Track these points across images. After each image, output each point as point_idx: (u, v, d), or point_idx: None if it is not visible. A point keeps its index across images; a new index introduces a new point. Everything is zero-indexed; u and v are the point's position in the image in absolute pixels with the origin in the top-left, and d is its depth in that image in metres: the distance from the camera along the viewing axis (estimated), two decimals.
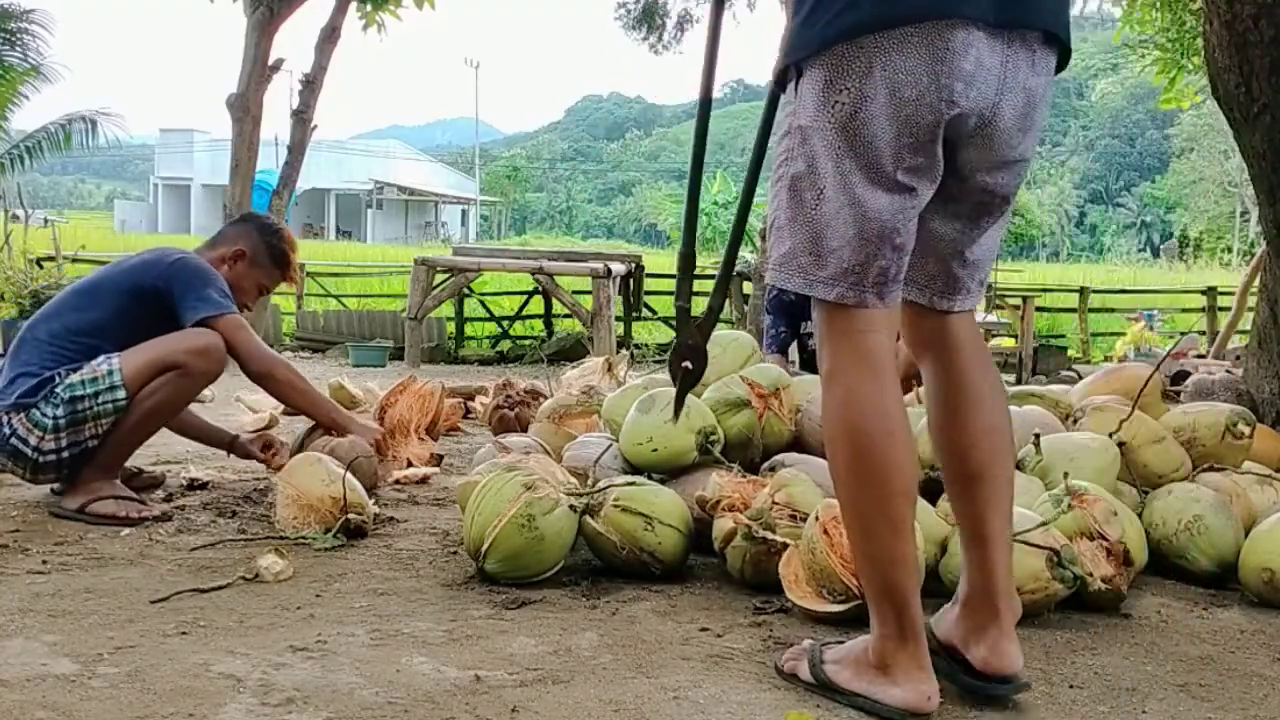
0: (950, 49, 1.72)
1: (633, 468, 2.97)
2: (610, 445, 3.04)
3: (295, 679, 1.92)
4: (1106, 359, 15.45)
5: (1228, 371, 5.30)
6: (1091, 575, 2.43)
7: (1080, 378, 14.54)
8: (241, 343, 3.29)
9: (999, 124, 1.81)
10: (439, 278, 11.98)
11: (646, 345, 14.74)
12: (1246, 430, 3.27)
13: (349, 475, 3.02)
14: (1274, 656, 2.25)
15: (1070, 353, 15.13)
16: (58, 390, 3.09)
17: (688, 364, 2.17)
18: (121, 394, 3.10)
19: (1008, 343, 13.30)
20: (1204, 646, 2.30)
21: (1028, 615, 2.39)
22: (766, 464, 2.89)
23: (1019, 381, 11.40)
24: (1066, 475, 2.66)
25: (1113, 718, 1.88)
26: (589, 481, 2.82)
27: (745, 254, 16.70)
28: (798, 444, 3.09)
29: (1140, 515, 2.87)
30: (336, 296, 15.89)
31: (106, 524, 3.03)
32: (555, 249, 17.68)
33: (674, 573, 2.63)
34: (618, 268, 12.34)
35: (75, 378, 3.09)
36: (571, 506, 2.60)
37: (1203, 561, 2.77)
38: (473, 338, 14.91)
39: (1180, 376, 13.09)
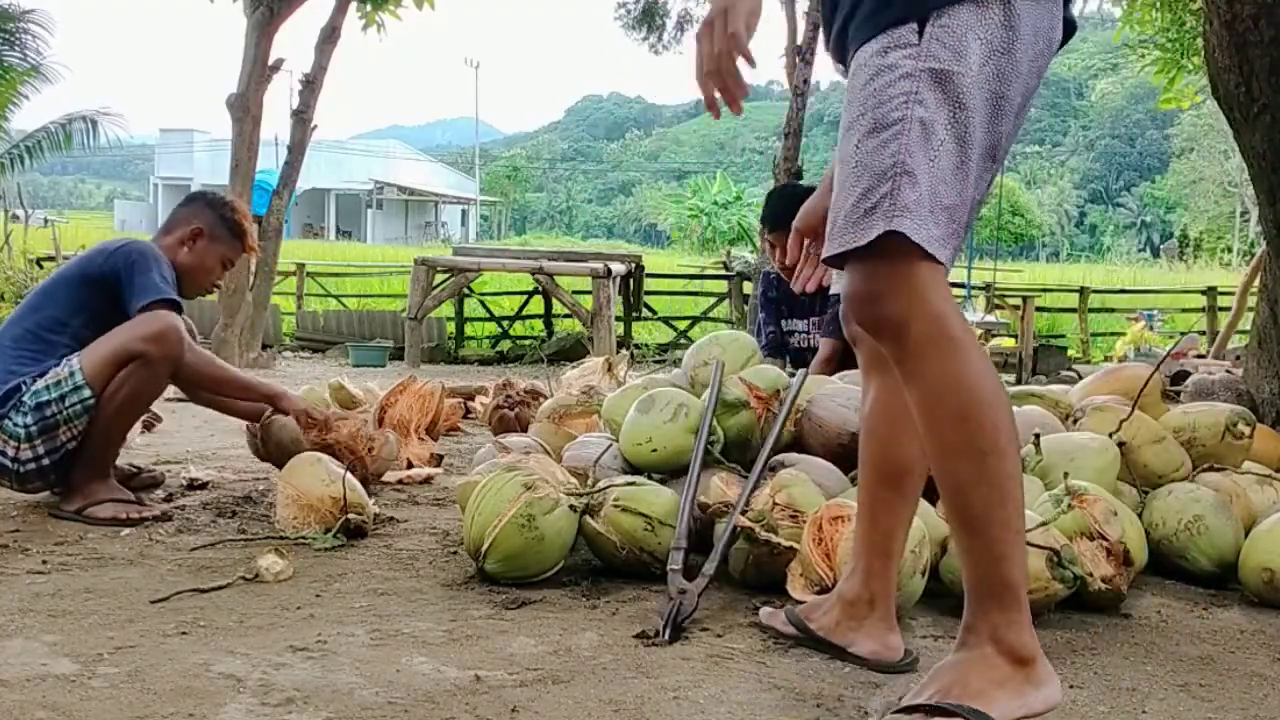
0: (1060, 4, 1.76)
1: (632, 468, 2.97)
2: (610, 445, 3.03)
3: (295, 679, 1.92)
4: (1106, 359, 15.45)
5: (1228, 371, 5.30)
6: (1091, 575, 2.43)
7: (1080, 378, 14.51)
8: None
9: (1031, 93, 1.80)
10: (439, 278, 12.00)
11: (646, 345, 14.74)
12: (1246, 430, 3.26)
13: (349, 475, 3.02)
14: (1274, 656, 2.25)
15: (1070, 353, 15.14)
16: (24, 399, 3.07)
17: (683, 591, 2.33)
18: (87, 393, 3.07)
19: (1008, 343, 13.31)
20: (1204, 646, 2.30)
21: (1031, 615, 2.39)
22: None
23: (1019, 381, 11.41)
24: (1066, 475, 2.66)
25: (1113, 718, 1.88)
26: (589, 481, 2.82)
27: (745, 254, 16.70)
28: (797, 444, 3.08)
29: (1140, 515, 2.87)
30: (336, 296, 15.91)
31: (106, 525, 3.03)
32: (555, 249, 17.69)
33: None
34: (618, 268, 12.34)
35: (40, 384, 3.07)
36: (571, 506, 2.60)
37: (1203, 561, 2.78)
38: (473, 338, 14.93)
39: (1180, 376, 13.04)
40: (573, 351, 13.08)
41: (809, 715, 1.84)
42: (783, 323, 5.09)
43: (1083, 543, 2.50)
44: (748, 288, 15.06)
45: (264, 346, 11.50)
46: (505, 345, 14.52)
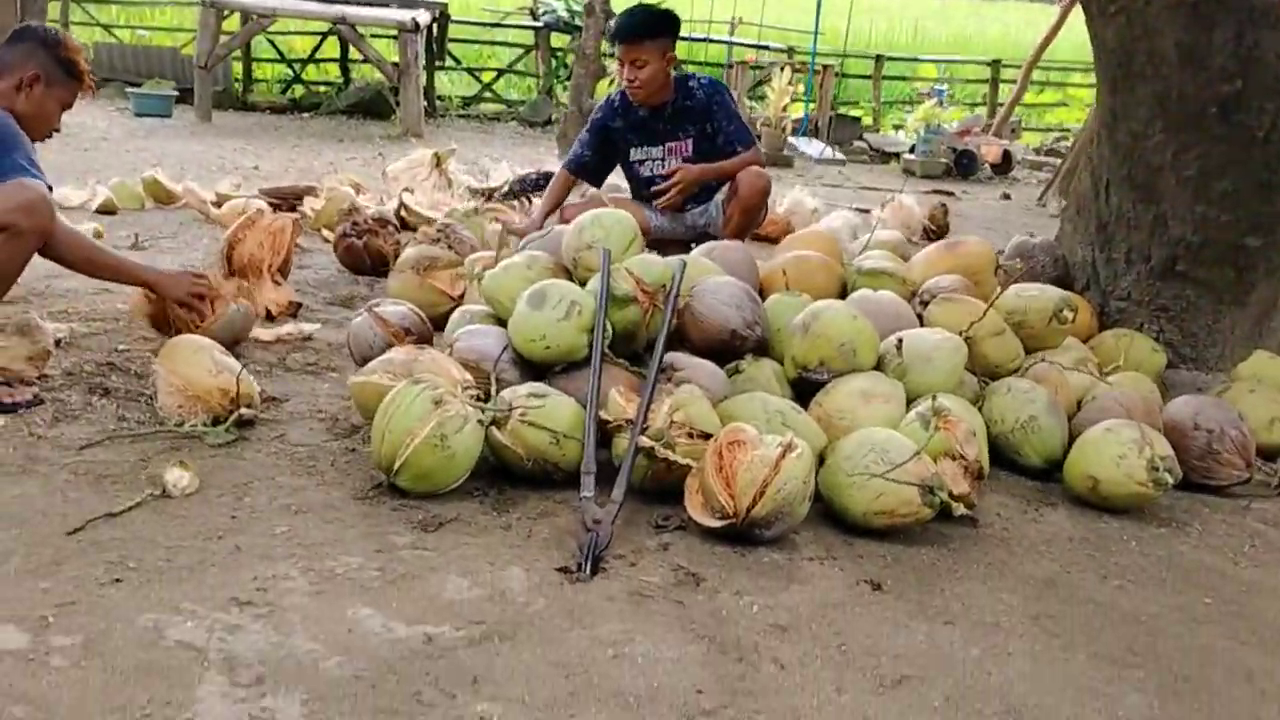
0: None
1: (525, 360, 3.04)
2: (507, 346, 3.06)
3: (253, 647, 1.99)
4: (896, 128, 16.02)
5: (1045, 238, 5.66)
6: (953, 494, 2.72)
7: (871, 148, 15.01)
8: None
9: None
10: (228, 23, 11.17)
11: (449, 97, 14.29)
12: (1070, 316, 3.61)
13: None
14: (1100, 575, 2.63)
15: (864, 121, 15.60)
16: None
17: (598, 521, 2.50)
18: None
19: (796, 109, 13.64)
20: (1044, 564, 2.65)
21: (899, 533, 2.68)
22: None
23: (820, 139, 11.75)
24: (934, 398, 2.91)
25: (985, 662, 2.19)
26: (492, 387, 2.88)
27: (554, 2, 16.12)
28: (678, 334, 3.20)
29: (980, 408, 3.20)
30: (106, 26, 14.53)
31: None
32: None
33: (573, 478, 2.75)
34: (423, 17, 11.78)
35: None
36: (479, 421, 2.70)
37: (1035, 459, 3.14)
38: (262, 80, 14.08)
39: (965, 155, 13.62)
40: (373, 105, 12.58)
41: (734, 671, 2.07)
42: (632, 151, 5.12)
43: (945, 463, 2.78)
44: (556, 40, 14.67)
45: None
46: (298, 91, 13.77)
